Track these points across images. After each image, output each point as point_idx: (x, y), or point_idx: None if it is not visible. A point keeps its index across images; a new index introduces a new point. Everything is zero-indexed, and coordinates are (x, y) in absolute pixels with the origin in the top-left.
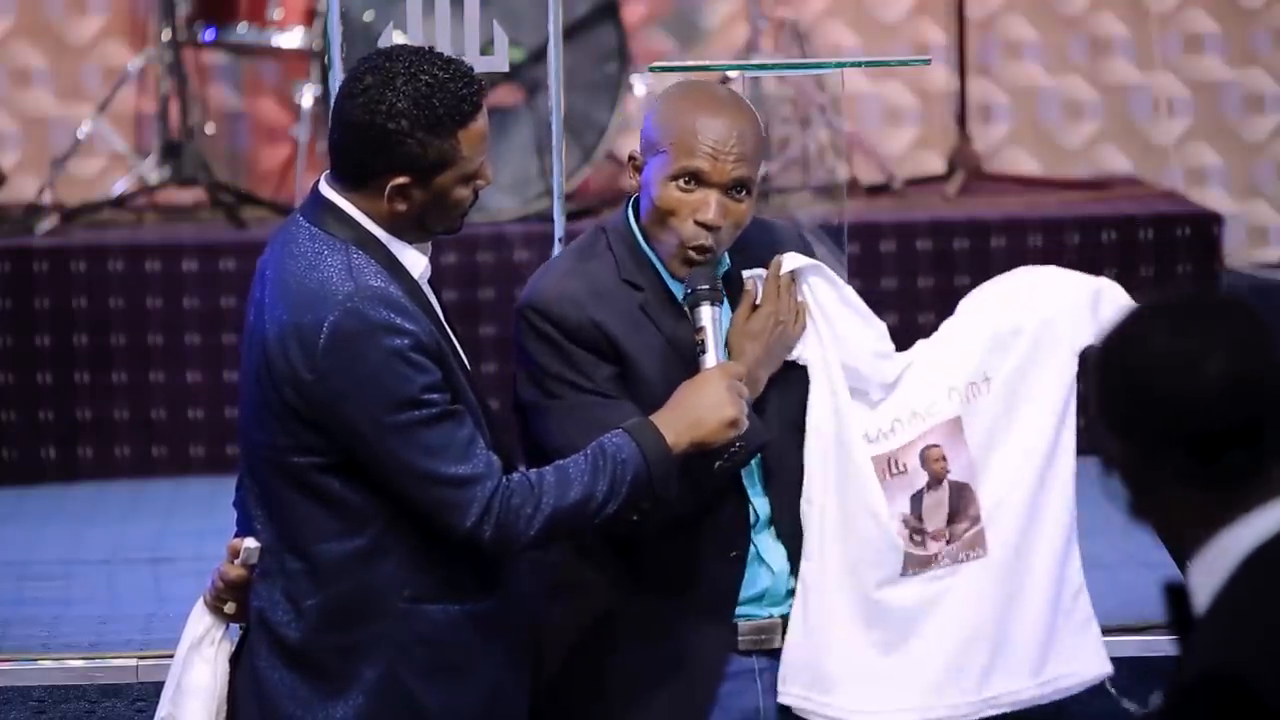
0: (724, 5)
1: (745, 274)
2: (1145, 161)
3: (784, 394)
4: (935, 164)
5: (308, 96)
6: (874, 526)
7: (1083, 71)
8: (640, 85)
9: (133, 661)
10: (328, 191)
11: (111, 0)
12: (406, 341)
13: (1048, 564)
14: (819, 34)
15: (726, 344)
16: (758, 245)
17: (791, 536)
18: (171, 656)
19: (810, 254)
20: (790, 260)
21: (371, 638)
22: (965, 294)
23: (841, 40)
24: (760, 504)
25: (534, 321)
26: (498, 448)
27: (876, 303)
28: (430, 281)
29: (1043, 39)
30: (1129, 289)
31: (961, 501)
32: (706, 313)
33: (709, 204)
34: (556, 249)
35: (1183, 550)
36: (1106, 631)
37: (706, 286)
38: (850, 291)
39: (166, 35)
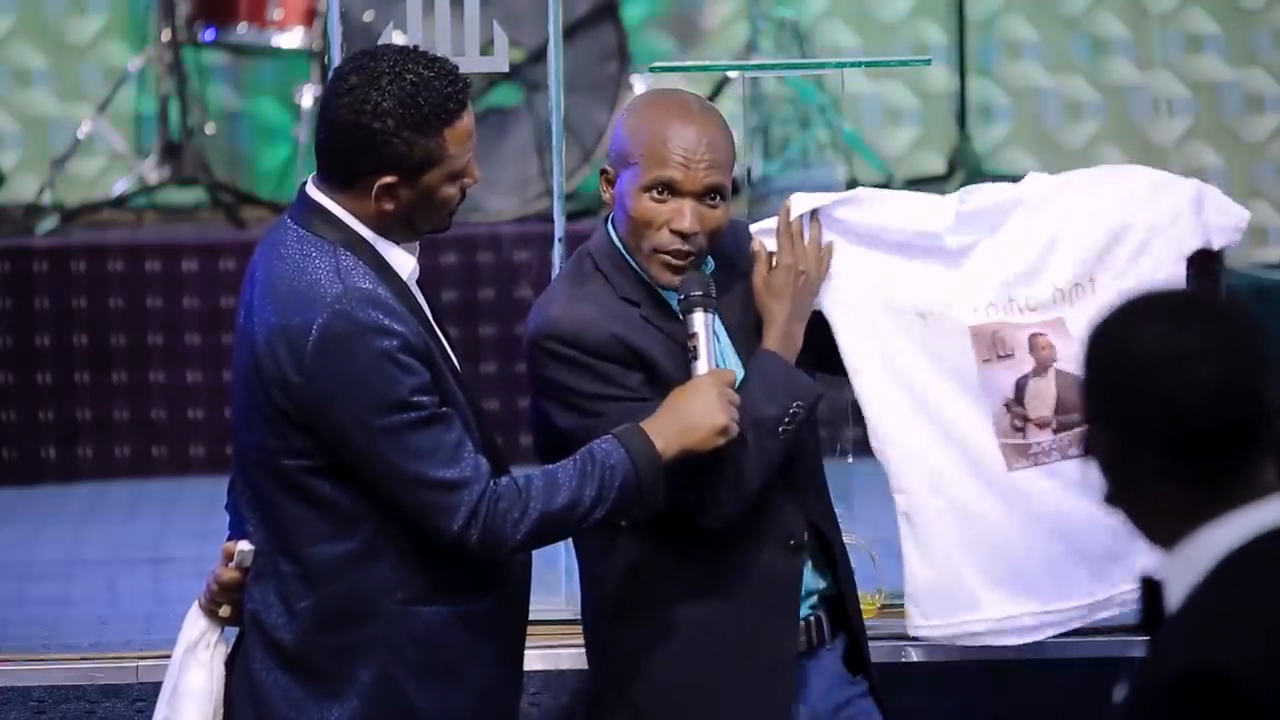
0: (724, 5)
1: (754, 229)
2: (1145, 162)
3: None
4: (935, 164)
5: (308, 97)
6: (968, 434)
7: (1083, 72)
8: (640, 85)
9: (133, 662)
10: (315, 193)
11: (111, 0)
12: (395, 343)
13: None
14: (819, 34)
15: (760, 302)
16: (730, 246)
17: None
18: (171, 657)
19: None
20: (799, 203)
21: (365, 640)
22: None
23: (841, 40)
24: None
25: (552, 349)
26: (488, 450)
27: None
28: (420, 282)
29: (1043, 39)
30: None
31: (1071, 393)
32: (699, 319)
33: (684, 213)
34: (556, 249)
35: (1157, 543)
36: (1100, 631)
37: (700, 293)
38: (877, 198)
39: (167, 35)
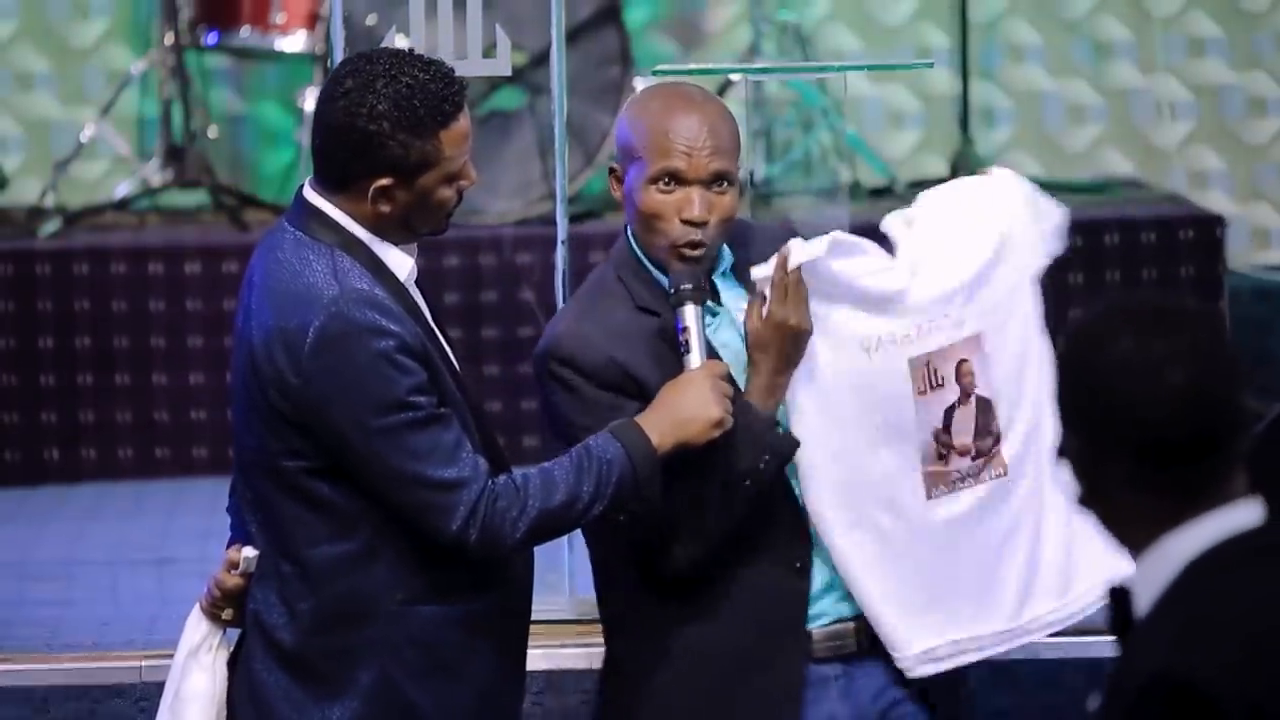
0: (726, 8)
1: (754, 273)
2: (1148, 165)
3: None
4: (938, 167)
5: (310, 100)
6: (894, 468)
7: (1085, 75)
8: (643, 88)
9: (135, 662)
10: (312, 196)
11: (114, 4)
12: (392, 343)
13: (1055, 479)
14: (821, 37)
15: (748, 350)
16: (762, 242)
17: None
18: (174, 657)
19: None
20: (798, 253)
21: (365, 641)
22: None
23: (844, 43)
24: None
25: (552, 369)
26: (489, 450)
27: None
28: (421, 284)
29: (1045, 42)
30: (1132, 292)
31: (986, 418)
32: (690, 312)
33: (692, 201)
34: (559, 252)
35: (1129, 547)
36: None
37: (689, 286)
38: (856, 250)
39: (169, 39)
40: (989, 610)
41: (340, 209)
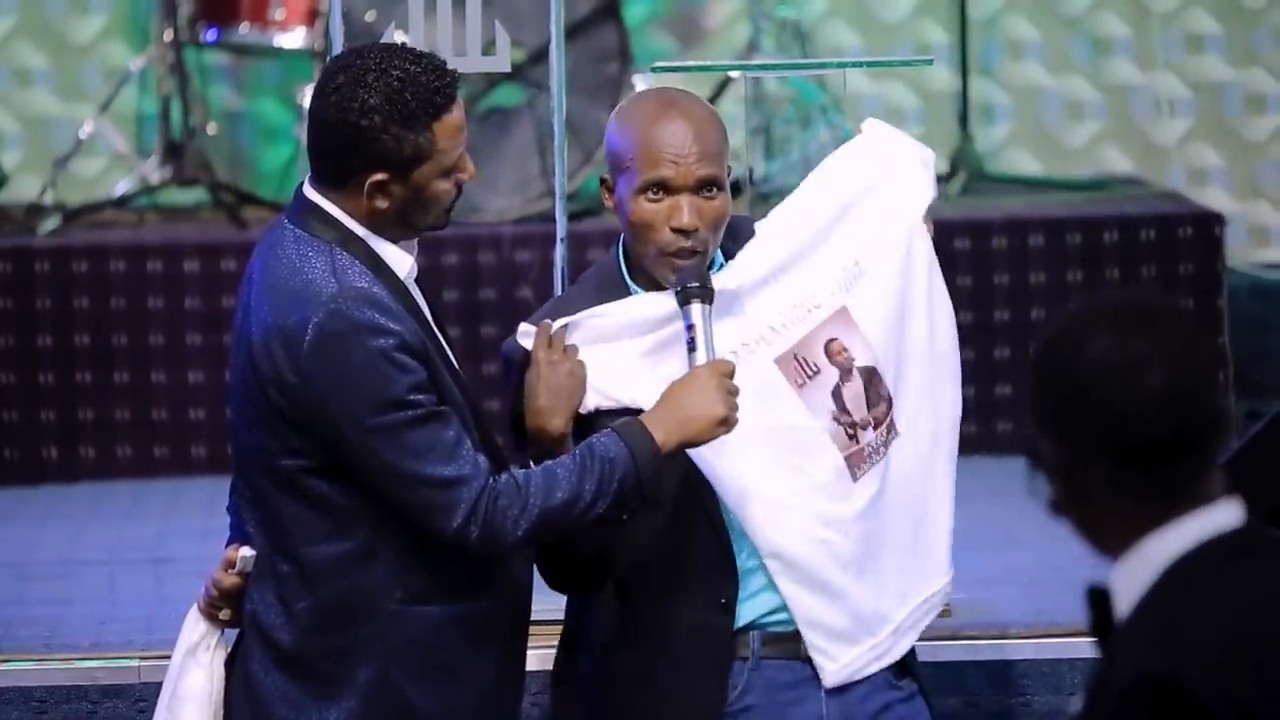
0: (725, 5)
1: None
2: (1147, 162)
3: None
4: (937, 164)
5: (309, 97)
6: (815, 462)
7: (1084, 72)
8: (642, 85)
9: (134, 662)
10: (310, 193)
11: (113, 0)
12: (391, 341)
13: (944, 441)
14: (820, 34)
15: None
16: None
17: None
18: (171, 656)
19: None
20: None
21: (363, 640)
22: (966, 294)
23: (843, 40)
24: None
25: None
26: (488, 449)
27: None
28: (420, 282)
29: (1044, 39)
30: (1120, 291)
31: (875, 386)
32: (696, 310)
33: (681, 209)
34: (558, 249)
35: (1104, 552)
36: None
37: (696, 284)
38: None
39: (168, 35)
40: (921, 576)
41: (338, 205)
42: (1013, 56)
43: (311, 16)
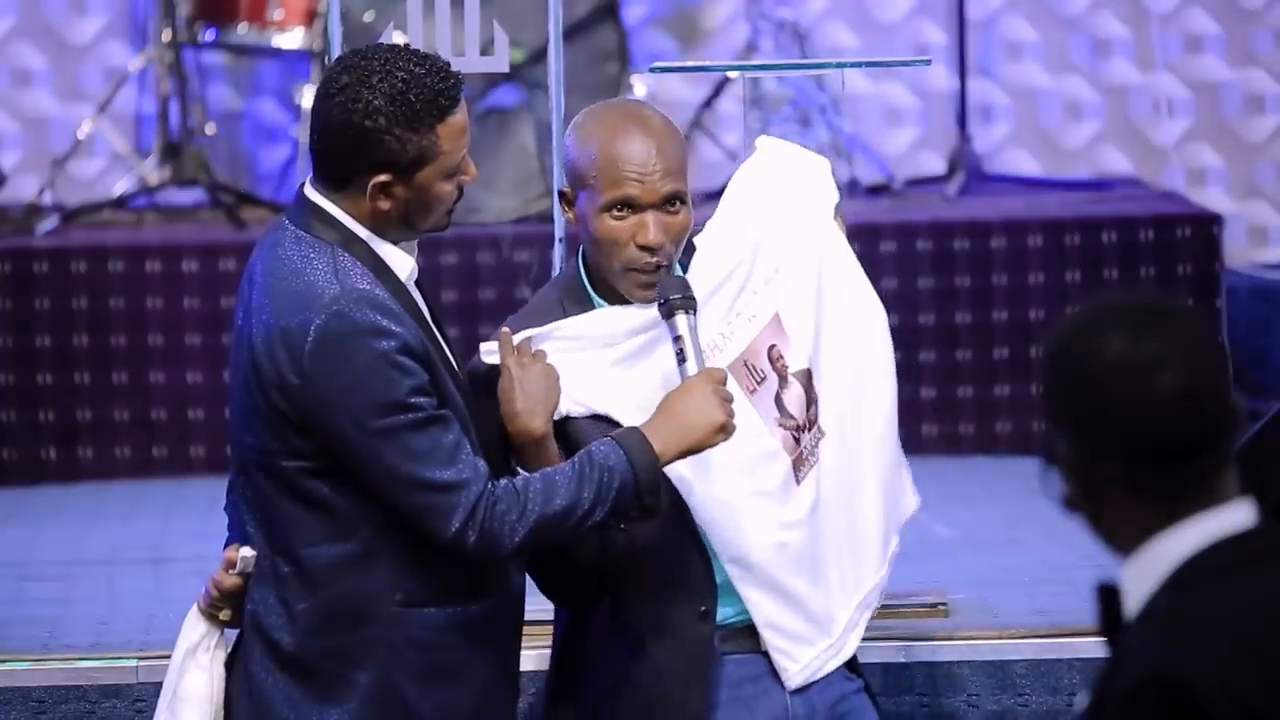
0: (724, 5)
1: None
2: (1145, 162)
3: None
4: (935, 165)
5: (308, 97)
6: (767, 468)
7: (1083, 72)
8: (641, 86)
9: (133, 662)
10: (312, 194)
11: (112, 1)
12: (393, 344)
13: (873, 436)
14: (819, 34)
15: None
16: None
17: None
18: (171, 657)
19: None
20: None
21: (364, 642)
22: (965, 295)
23: (842, 40)
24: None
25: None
26: (485, 453)
27: None
28: (419, 283)
29: (1043, 39)
30: (1130, 290)
31: (807, 388)
32: (682, 321)
33: (647, 225)
34: (556, 249)
35: (1117, 550)
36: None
37: (678, 295)
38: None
39: (167, 36)
40: (859, 576)
41: (340, 206)
42: (1011, 57)
43: (310, 17)
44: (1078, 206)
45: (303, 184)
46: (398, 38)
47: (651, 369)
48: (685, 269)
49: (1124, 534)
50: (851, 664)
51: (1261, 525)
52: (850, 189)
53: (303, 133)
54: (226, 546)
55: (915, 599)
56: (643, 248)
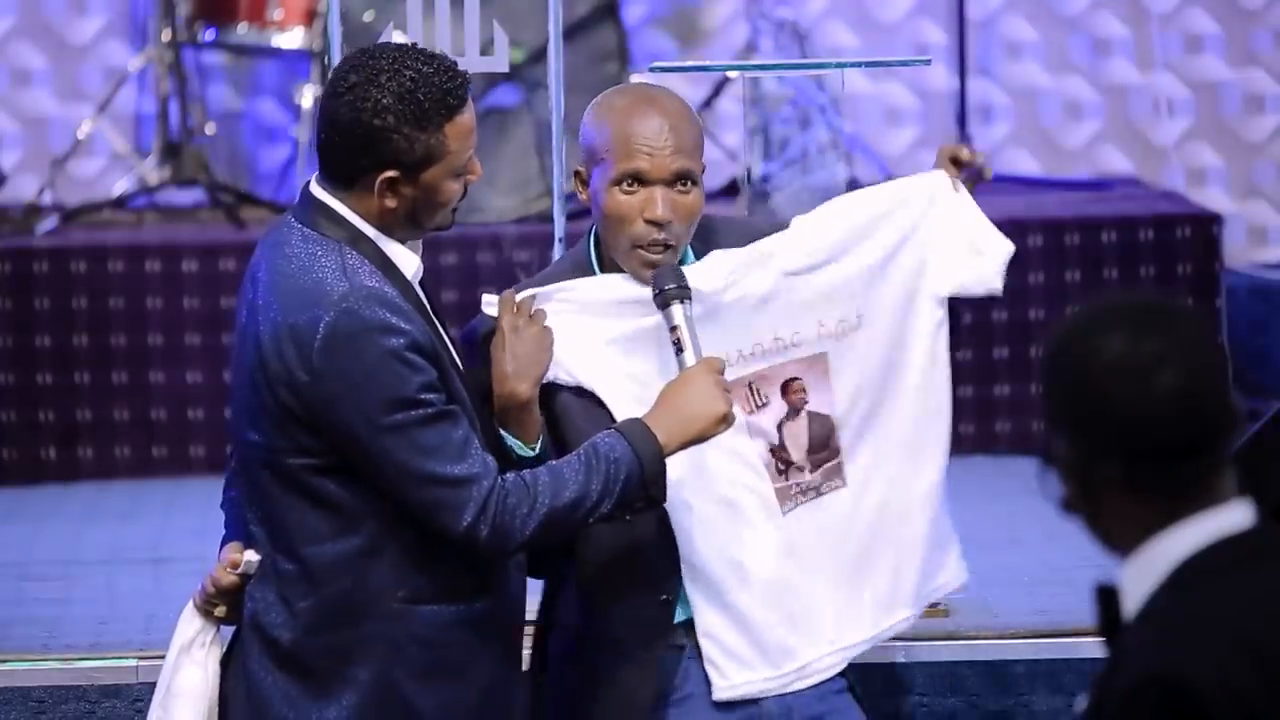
0: (724, 5)
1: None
2: (1145, 162)
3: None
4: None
5: (308, 97)
6: (747, 487)
7: (1083, 72)
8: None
9: (133, 662)
10: (318, 192)
11: (112, 1)
12: (402, 341)
13: (913, 494)
14: (819, 34)
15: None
16: (728, 238)
17: None
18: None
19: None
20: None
21: (365, 638)
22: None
23: (842, 40)
24: None
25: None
26: (493, 448)
27: None
28: (422, 283)
29: (1043, 39)
30: (1129, 290)
31: (820, 432)
32: (678, 311)
33: (655, 200)
34: (556, 249)
35: (1115, 550)
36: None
37: (673, 285)
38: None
39: (167, 36)
40: (847, 618)
41: (347, 204)
42: (1011, 56)
43: (309, 17)
44: (1078, 206)
45: (308, 182)
46: (398, 38)
47: (647, 358)
48: (699, 255)
49: (1122, 534)
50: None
51: (1260, 525)
52: (850, 189)
53: (302, 133)
54: (224, 544)
55: None
56: (650, 222)
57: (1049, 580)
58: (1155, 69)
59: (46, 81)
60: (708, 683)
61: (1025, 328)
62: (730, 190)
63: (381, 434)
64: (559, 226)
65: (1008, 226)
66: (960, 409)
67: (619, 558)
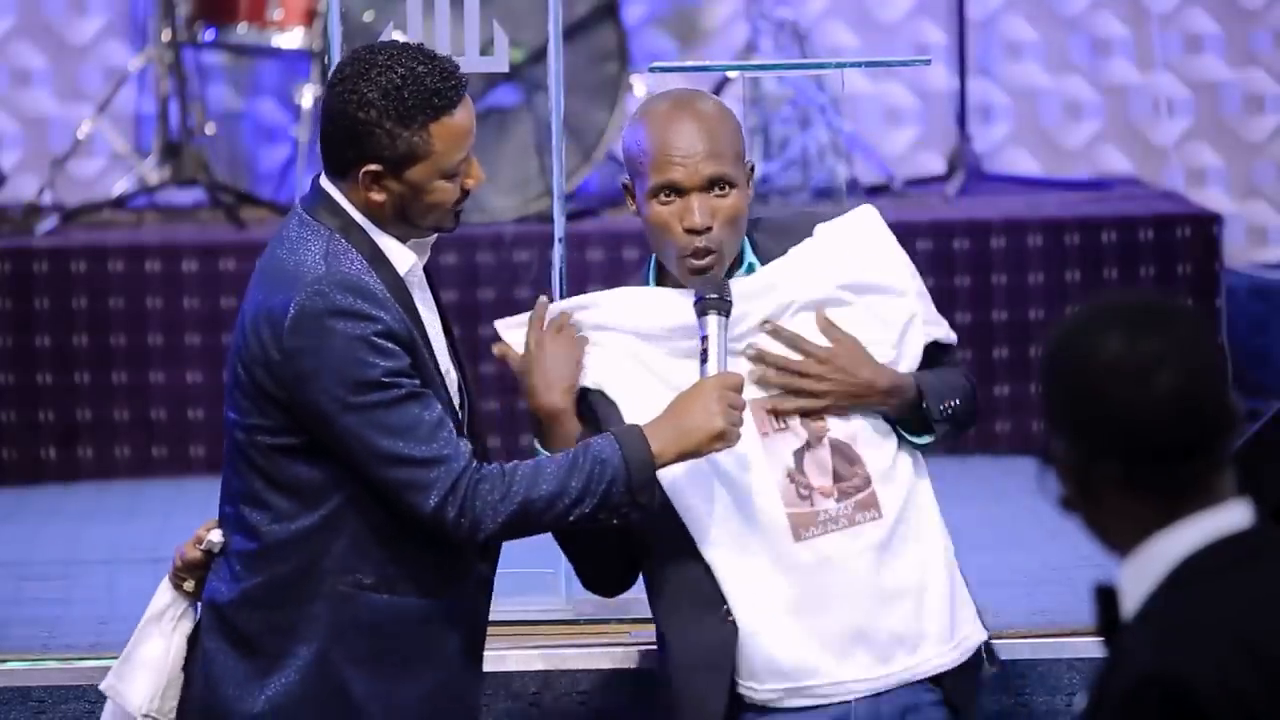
0: (724, 5)
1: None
2: (1145, 162)
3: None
4: (935, 164)
5: (307, 97)
6: (760, 507)
7: (1083, 72)
8: (640, 85)
9: None
10: (323, 182)
11: (112, 1)
12: (372, 327)
13: (935, 527)
14: (819, 34)
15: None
16: (779, 235)
17: None
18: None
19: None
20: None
21: (308, 617)
22: (965, 294)
23: (841, 40)
24: None
25: None
26: (479, 446)
27: None
28: (431, 283)
29: (1043, 39)
30: (1128, 290)
31: (845, 461)
32: (712, 322)
33: (691, 209)
34: (556, 249)
35: (1114, 550)
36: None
37: (715, 295)
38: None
39: (166, 35)
40: (879, 650)
41: (344, 195)
42: (1011, 56)
43: (309, 17)
44: (1077, 206)
45: (318, 174)
46: (398, 37)
47: (674, 377)
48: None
49: (1121, 533)
50: (936, 678)
51: (1259, 525)
52: (850, 189)
53: (302, 133)
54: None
55: None
56: (690, 231)
57: (1049, 580)
58: (1155, 69)
59: (46, 81)
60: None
61: (1025, 328)
62: None
63: (349, 413)
64: (559, 226)
65: (1008, 226)
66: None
67: (683, 578)
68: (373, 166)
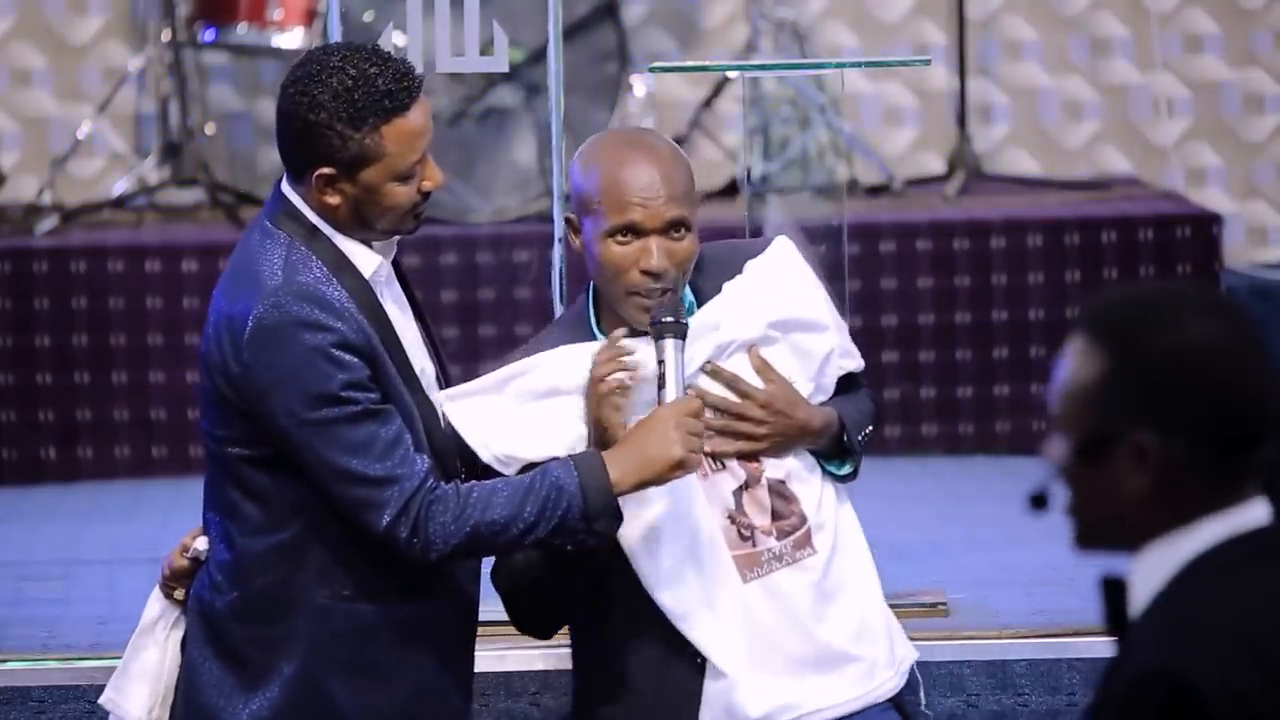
0: (723, 5)
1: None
2: (1145, 162)
3: None
4: (935, 164)
5: None
6: (708, 550)
7: (1083, 72)
8: (640, 85)
9: None
10: (285, 187)
11: (112, 0)
12: (328, 338)
13: (864, 553)
14: (819, 34)
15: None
16: (713, 269)
17: None
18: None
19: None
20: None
21: (290, 632)
22: (965, 294)
23: (841, 40)
24: None
25: None
26: (442, 456)
27: (876, 303)
28: (413, 282)
29: (1043, 39)
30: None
31: (783, 500)
32: (668, 346)
33: (650, 251)
34: (555, 249)
35: (1123, 547)
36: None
37: (671, 319)
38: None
39: (166, 35)
40: (833, 679)
41: (304, 200)
42: (1011, 56)
43: (310, 17)
44: (1077, 206)
45: (280, 178)
46: (398, 38)
47: (568, 411)
48: (700, 292)
49: (1136, 529)
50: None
51: (1273, 525)
52: (850, 189)
53: None
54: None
55: (915, 599)
56: (645, 273)
57: (1049, 580)
58: (1155, 69)
59: (46, 81)
60: None
61: (1025, 328)
62: (730, 190)
63: (305, 428)
64: (558, 227)
65: (1008, 226)
66: (960, 409)
67: (651, 621)
68: (326, 169)
